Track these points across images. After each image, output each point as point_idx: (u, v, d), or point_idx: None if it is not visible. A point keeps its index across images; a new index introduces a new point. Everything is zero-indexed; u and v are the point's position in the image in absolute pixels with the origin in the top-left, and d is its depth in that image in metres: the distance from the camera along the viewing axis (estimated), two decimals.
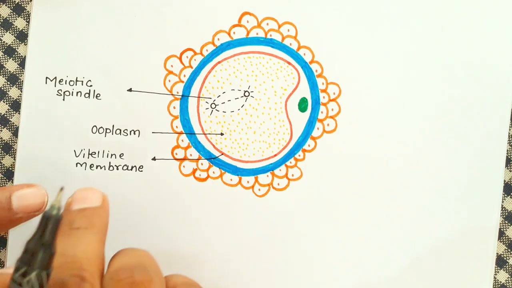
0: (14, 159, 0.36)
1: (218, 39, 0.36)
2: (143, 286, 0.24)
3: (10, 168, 0.36)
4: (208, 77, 0.36)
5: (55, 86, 0.36)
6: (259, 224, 0.36)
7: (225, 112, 0.36)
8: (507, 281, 0.36)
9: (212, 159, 0.36)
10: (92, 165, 0.36)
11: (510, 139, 0.36)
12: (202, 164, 0.36)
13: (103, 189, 0.36)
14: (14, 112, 0.36)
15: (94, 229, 0.27)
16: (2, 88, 0.36)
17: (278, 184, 0.36)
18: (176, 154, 0.36)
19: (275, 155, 0.36)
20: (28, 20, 0.36)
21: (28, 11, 0.36)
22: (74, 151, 0.36)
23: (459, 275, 0.36)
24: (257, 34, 0.36)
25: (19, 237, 0.36)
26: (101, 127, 0.36)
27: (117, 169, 0.36)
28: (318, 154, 0.36)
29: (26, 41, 0.36)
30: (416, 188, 0.36)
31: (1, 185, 0.36)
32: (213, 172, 0.36)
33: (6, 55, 0.36)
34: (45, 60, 0.36)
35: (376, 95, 0.36)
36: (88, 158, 0.36)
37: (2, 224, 0.32)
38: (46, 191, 0.34)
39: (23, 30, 0.36)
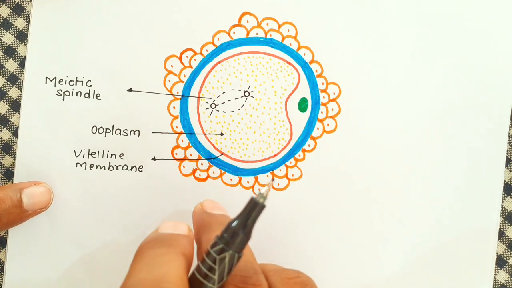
0: (14, 159, 0.36)
1: (218, 39, 0.36)
2: (310, 285, 0.26)
3: (10, 168, 0.36)
4: (208, 77, 0.36)
5: (55, 86, 0.36)
6: (259, 224, 0.36)
7: (225, 112, 0.36)
8: (507, 281, 0.36)
9: (212, 159, 0.36)
10: (92, 165, 0.36)
11: (510, 139, 0.36)
12: (202, 164, 0.36)
13: (103, 189, 0.36)
14: (14, 112, 0.36)
15: None
16: (2, 88, 0.36)
17: (278, 184, 0.36)
18: (176, 154, 0.36)
19: (275, 155, 0.36)
20: (28, 20, 0.36)
21: (28, 11, 0.36)
22: (74, 151, 0.36)
23: (459, 275, 0.36)
24: (257, 34, 0.36)
25: (19, 237, 0.36)
26: (101, 127, 0.36)
27: (117, 169, 0.36)
28: (318, 154, 0.36)
29: (26, 41, 0.36)
30: (416, 188, 0.36)
31: (1, 185, 0.36)
32: (213, 172, 0.36)
33: (6, 55, 0.36)
34: (45, 60, 0.36)
35: (376, 95, 0.36)
36: (88, 158, 0.36)
37: (13, 221, 0.34)
38: (51, 188, 0.35)
39: (23, 30, 0.36)
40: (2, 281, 0.36)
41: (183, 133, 0.36)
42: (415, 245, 0.36)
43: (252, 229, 0.24)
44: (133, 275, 0.24)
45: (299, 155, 0.36)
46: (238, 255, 0.24)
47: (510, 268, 0.36)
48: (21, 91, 0.36)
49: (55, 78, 0.36)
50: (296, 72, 0.36)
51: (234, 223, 0.24)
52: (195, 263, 0.27)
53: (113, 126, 0.36)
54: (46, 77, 0.36)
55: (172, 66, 0.36)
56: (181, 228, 0.28)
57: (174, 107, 0.36)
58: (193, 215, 0.31)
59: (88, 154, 0.36)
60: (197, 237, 0.29)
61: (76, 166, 0.36)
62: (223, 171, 0.36)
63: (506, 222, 0.37)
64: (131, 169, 0.36)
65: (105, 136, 0.36)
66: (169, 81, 0.36)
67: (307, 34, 0.36)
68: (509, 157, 0.37)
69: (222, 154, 0.36)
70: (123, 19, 0.36)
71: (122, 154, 0.36)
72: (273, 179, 0.24)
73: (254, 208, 0.24)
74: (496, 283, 0.37)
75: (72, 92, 0.36)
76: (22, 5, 0.36)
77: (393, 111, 0.36)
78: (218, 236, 0.24)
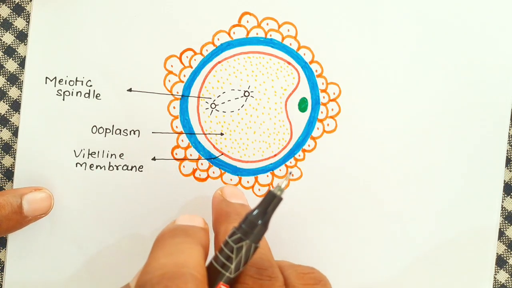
0: (14, 159, 0.36)
1: (218, 39, 0.36)
2: (324, 281, 0.27)
3: (10, 168, 0.36)
4: (208, 77, 0.36)
5: (55, 86, 0.36)
6: None
7: (225, 112, 0.36)
8: (507, 281, 0.36)
9: (212, 159, 0.36)
10: (92, 165, 0.36)
11: (510, 139, 0.36)
12: (202, 164, 0.36)
13: (103, 189, 0.36)
14: (14, 112, 0.36)
15: None
16: (2, 88, 0.36)
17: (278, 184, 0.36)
18: (176, 154, 0.36)
19: (275, 155, 0.36)
20: (28, 20, 0.36)
21: (28, 11, 0.36)
22: (74, 151, 0.36)
23: (459, 275, 0.36)
24: (257, 34, 0.36)
25: (19, 237, 0.36)
26: (101, 127, 0.36)
27: (117, 169, 0.36)
28: (318, 154, 0.36)
29: (26, 41, 0.36)
30: (415, 188, 0.36)
31: (1, 185, 0.36)
32: (213, 172, 0.36)
33: (6, 55, 0.36)
34: (45, 60, 0.36)
35: (376, 95, 0.36)
36: (88, 158, 0.36)
37: (13, 227, 0.33)
38: (52, 194, 0.35)
39: (23, 30, 0.36)
40: (2, 281, 0.36)
41: (183, 133, 0.36)
42: (415, 245, 0.36)
43: (269, 220, 0.25)
44: (154, 260, 0.25)
45: (299, 155, 0.36)
46: (255, 246, 0.25)
47: (510, 268, 0.36)
48: (21, 91, 0.36)
49: (55, 78, 0.36)
50: (296, 72, 0.36)
51: (252, 214, 0.25)
52: (210, 256, 0.27)
53: (113, 126, 0.36)
54: (46, 77, 0.36)
55: (172, 66, 0.36)
56: (197, 221, 0.29)
57: (174, 107, 0.36)
58: (213, 201, 0.32)
59: (88, 154, 0.36)
60: (214, 226, 0.30)
61: (76, 166, 0.36)
62: (223, 171, 0.36)
63: (506, 222, 0.37)
64: (131, 169, 0.36)
65: (105, 136, 0.36)
66: (169, 81, 0.36)
67: (307, 34, 0.36)
68: (509, 157, 0.37)
69: (222, 154, 0.36)
70: (123, 19, 0.36)
71: (122, 154, 0.36)
72: (291, 173, 0.25)
73: (271, 200, 0.25)
74: (496, 283, 0.37)
75: (72, 92, 0.36)
76: (22, 5, 0.36)
77: (393, 111, 0.36)
78: (236, 227, 0.25)
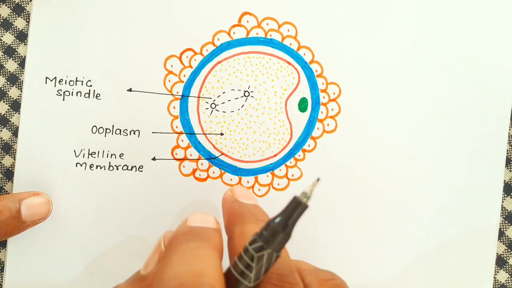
0: (14, 159, 0.36)
1: (218, 39, 0.36)
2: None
3: (10, 168, 0.36)
4: (208, 77, 0.36)
5: (55, 86, 0.36)
6: None
7: (225, 112, 0.36)
8: (507, 281, 0.36)
9: (212, 159, 0.36)
10: (92, 165, 0.36)
11: (510, 139, 0.36)
12: (202, 164, 0.36)
13: (103, 189, 0.36)
14: (14, 112, 0.36)
15: None
16: (2, 88, 0.36)
17: (278, 184, 0.36)
18: (176, 154, 0.36)
19: (275, 155, 0.36)
20: (28, 20, 0.36)
21: (28, 11, 0.36)
22: (74, 151, 0.36)
23: (459, 275, 0.36)
24: (257, 34, 0.36)
25: (19, 237, 0.36)
26: (101, 127, 0.36)
27: (117, 169, 0.36)
28: (318, 154, 0.36)
29: (26, 41, 0.36)
30: (416, 188, 0.36)
31: (1, 185, 0.36)
32: (213, 172, 0.36)
33: (6, 55, 0.36)
34: (45, 60, 0.36)
35: (376, 95, 0.36)
36: (88, 158, 0.36)
37: (11, 232, 0.33)
38: (50, 199, 0.35)
39: (23, 30, 0.36)
40: (2, 281, 0.36)
41: (183, 133, 0.36)
42: (415, 245, 0.36)
43: (293, 229, 0.23)
44: (169, 268, 0.23)
45: (299, 155, 0.36)
46: (276, 255, 0.23)
47: (510, 268, 0.36)
48: (21, 91, 0.36)
49: (55, 78, 0.36)
50: (296, 72, 0.36)
51: (275, 222, 0.23)
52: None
53: (113, 126, 0.36)
54: (46, 77, 0.36)
55: (172, 66, 0.36)
56: (210, 220, 0.27)
57: (174, 107, 0.36)
58: (223, 202, 0.31)
59: (88, 154, 0.36)
60: (228, 227, 0.29)
61: (76, 166, 0.36)
62: (223, 171, 0.36)
63: (506, 222, 0.37)
64: (131, 169, 0.36)
65: (105, 136, 0.36)
66: (169, 81, 0.36)
67: (307, 34, 0.36)
68: (509, 157, 0.37)
69: (222, 154, 0.36)
70: (123, 19, 0.36)
71: (122, 154, 0.36)
72: (318, 180, 0.23)
73: (296, 208, 0.23)
74: (496, 283, 0.37)
75: (72, 92, 0.36)
76: (22, 5, 0.36)
77: (393, 111, 0.36)
78: (258, 234, 0.23)
